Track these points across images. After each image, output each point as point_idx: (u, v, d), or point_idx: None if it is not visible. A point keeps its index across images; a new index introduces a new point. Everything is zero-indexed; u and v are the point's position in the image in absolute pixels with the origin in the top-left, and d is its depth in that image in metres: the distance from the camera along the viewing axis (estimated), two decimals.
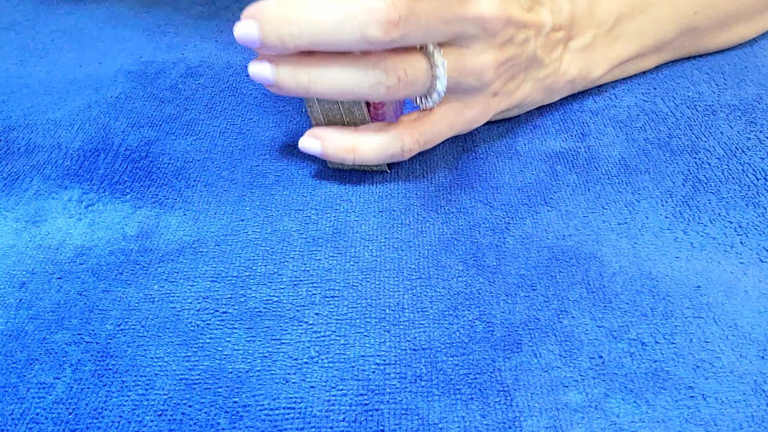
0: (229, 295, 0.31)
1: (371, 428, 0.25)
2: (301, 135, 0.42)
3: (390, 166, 0.39)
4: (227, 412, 0.26)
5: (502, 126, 0.42)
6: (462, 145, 0.40)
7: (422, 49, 0.33)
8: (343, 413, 0.26)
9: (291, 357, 0.28)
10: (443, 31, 0.33)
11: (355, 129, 0.36)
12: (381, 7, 0.30)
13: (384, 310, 0.30)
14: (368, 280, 0.32)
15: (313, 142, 0.36)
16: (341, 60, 0.33)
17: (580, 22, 0.40)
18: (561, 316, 0.30)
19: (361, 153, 0.36)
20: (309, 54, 0.33)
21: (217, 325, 0.30)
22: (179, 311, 0.30)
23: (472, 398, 0.26)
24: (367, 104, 0.37)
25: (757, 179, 0.37)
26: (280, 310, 0.30)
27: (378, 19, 0.30)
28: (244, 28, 0.32)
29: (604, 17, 0.41)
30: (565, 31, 0.39)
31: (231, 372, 0.28)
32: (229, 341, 0.29)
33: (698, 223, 0.34)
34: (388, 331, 0.29)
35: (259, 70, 0.34)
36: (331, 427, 0.26)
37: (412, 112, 0.36)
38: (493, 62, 0.35)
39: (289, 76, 0.33)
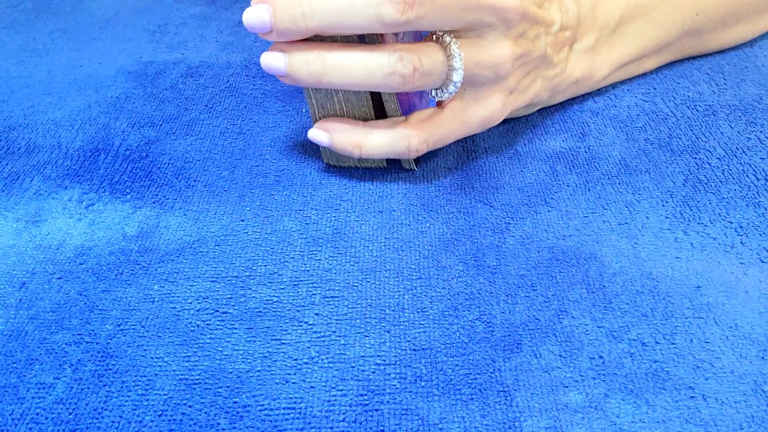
0: (229, 296, 0.31)
1: (371, 428, 0.25)
2: (302, 135, 0.42)
3: (417, 163, 0.39)
4: (227, 413, 0.26)
5: (503, 126, 0.42)
6: (462, 145, 0.40)
7: (438, 40, 0.33)
8: (343, 413, 0.26)
9: (291, 357, 0.28)
10: (460, 18, 0.32)
11: (364, 124, 0.36)
12: None
13: (384, 310, 0.30)
14: (368, 280, 0.32)
15: (321, 134, 0.36)
16: (356, 48, 0.32)
17: (585, 24, 0.40)
18: (561, 316, 0.30)
19: (367, 149, 0.36)
20: (322, 42, 0.33)
21: (217, 325, 0.30)
22: (179, 311, 0.30)
23: (472, 398, 0.26)
24: (375, 101, 0.36)
25: (758, 179, 0.37)
26: (280, 310, 0.30)
27: None
28: (255, 12, 0.32)
29: (606, 20, 0.41)
30: (571, 31, 0.39)
31: (231, 372, 0.28)
32: (229, 341, 0.29)
33: (698, 223, 0.34)
34: (388, 332, 0.29)
35: (272, 59, 0.33)
36: (331, 427, 0.26)
37: (424, 110, 0.36)
38: (509, 54, 0.34)
39: (302, 64, 0.33)
